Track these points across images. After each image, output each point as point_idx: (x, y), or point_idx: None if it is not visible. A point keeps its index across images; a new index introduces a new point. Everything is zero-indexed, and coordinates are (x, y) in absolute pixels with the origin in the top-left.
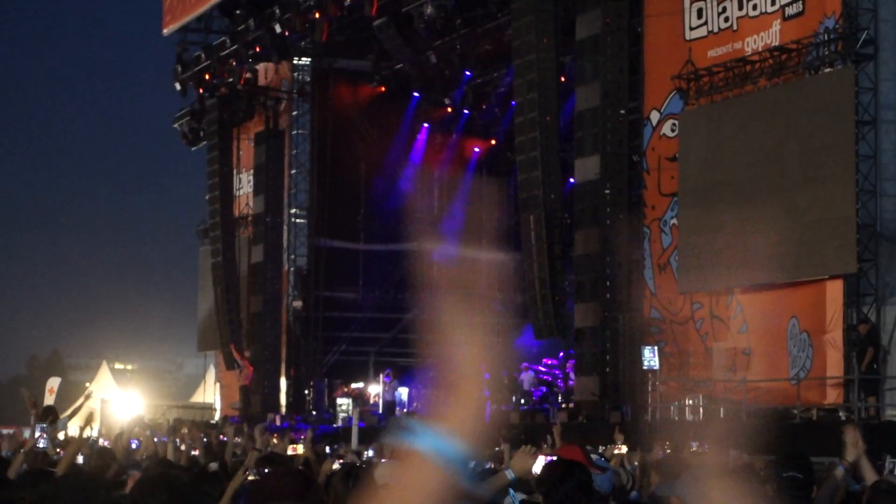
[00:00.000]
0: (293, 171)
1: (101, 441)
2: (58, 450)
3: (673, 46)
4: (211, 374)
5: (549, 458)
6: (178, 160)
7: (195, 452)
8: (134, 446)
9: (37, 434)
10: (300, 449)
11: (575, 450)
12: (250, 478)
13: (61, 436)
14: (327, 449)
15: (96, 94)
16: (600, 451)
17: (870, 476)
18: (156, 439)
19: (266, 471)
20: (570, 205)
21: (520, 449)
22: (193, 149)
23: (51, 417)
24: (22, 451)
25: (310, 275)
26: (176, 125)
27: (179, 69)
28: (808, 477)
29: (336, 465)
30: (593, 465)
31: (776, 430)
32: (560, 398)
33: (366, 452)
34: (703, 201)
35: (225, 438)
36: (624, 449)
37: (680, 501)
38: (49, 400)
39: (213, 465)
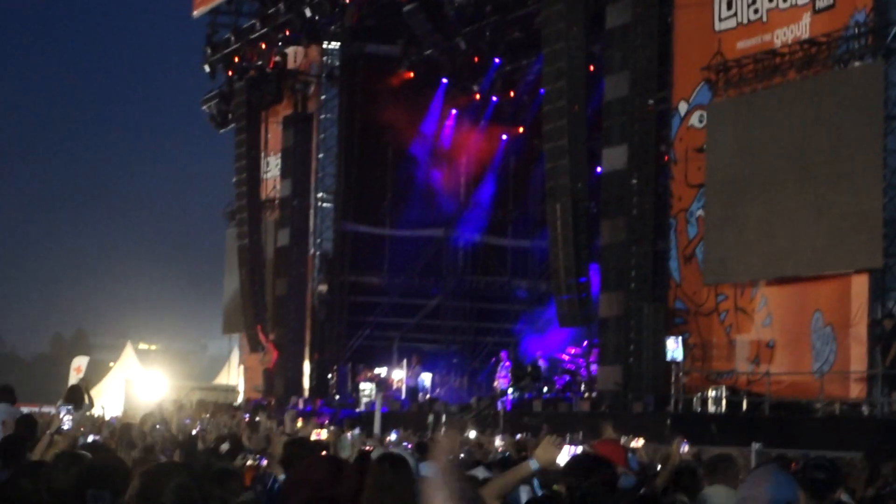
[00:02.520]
0: (320, 155)
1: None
2: (81, 429)
3: (702, 37)
4: (235, 356)
5: (575, 450)
6: (206, 142)
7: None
8: (160, 426)
9: (62, 415)
10: (324, 434)
11: (615, 448)
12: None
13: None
14: (349, 434)
15: (125, 75)
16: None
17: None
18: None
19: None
20: (597, 194)
21: (544, 439)
22: (222, 131)
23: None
24: (48, 432)
25: (335, 259)
26: (205, 107)
27: (209, 51)
28: (833, 477)
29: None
30: (628, 465)
31: (798, 423)
32: (583, 387)
33: (388, 438)
34: (729, 193)
35: (248, 417)
36: (641, 443)
37: None
38: (74, 379)
39: (225, 446)
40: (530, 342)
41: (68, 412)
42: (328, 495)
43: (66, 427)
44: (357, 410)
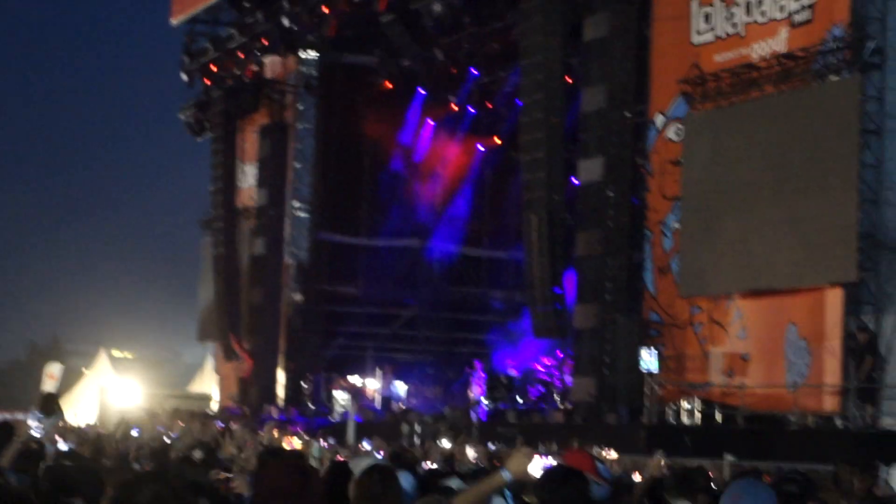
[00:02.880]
0: (297, 165)
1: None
2: (56, 437)
3: (680, 50)
4: (209, 364)
5: (547, 461)
6: (182, 151)
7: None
8: (135, 434)
9: (32, 423)
10: (296, 443)
11: (584, 457)
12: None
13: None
14: (323, 443)
15: (101, 82)
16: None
17: None
18: (155, 430)
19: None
20: (573, 206)
21: (516, 450)
22: (199, 140)
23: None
24: (15, 439)
25: (311, 268)
26: (181, 115)
27: (187, 60)
28: (806, 490)
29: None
30: (599, 475)
31: (772, 436)
32: (557, 398)
33: (361, 447)
34: (705, 206)
35: (222, 426)
36: (614, 455)
37: None
38: (49, 386)
39: (198, 454)
40: (504, 353)
41: (38, 420)
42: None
43: (36, 435)
44: (331, 420)
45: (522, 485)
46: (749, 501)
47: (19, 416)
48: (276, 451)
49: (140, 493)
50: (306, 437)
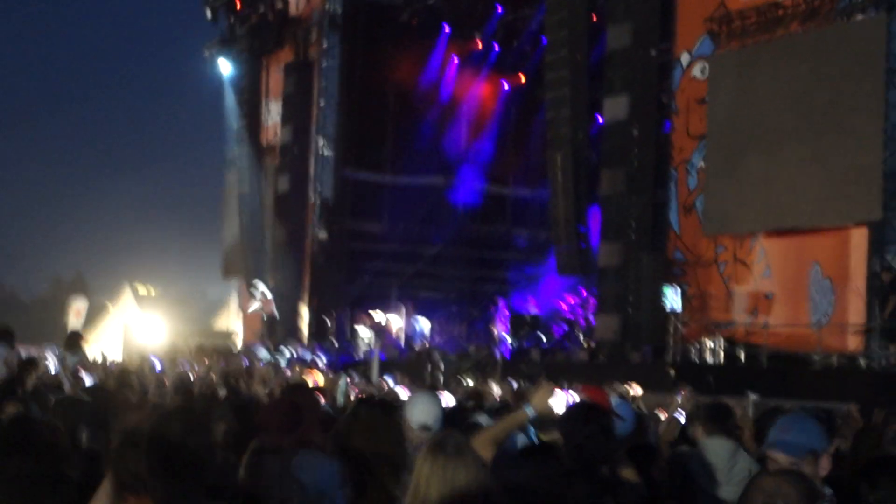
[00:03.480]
0: (321, 103)
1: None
2: (80, 373)
3: None
4: (234, 301)
5: (570, 398)
6: (207, 87)
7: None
8: (158, 368)
9: (49, 357)
10: (319, 379)
11: (599, 393)
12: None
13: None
14: (346, 379)
15: (124, 18)
16: (614, 388)
17: None
18: (179, 366)
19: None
20: (598, 144)
21: (540, 386)
22: (224, 76)
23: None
24: (34, 373)
25: (335, 206)
26: (206, 53)
27: None
28: (829, 428)
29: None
30: (614, 411)
31: (795, 375)
32: (581, 337)
33: (385, 384)
34: (730, 145)
35: (247, 363)
36: (639, 391)
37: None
38: (75, 323)
39: (222, 391)
40: (528, 291)
41: (55, 354)
42: (293, 438)
43: (52, 371)
44: (355, 357)
45: (546, 421)
46: (796, 433)
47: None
48: (297, 387)
49: (169, 427)
50: (330, 374)
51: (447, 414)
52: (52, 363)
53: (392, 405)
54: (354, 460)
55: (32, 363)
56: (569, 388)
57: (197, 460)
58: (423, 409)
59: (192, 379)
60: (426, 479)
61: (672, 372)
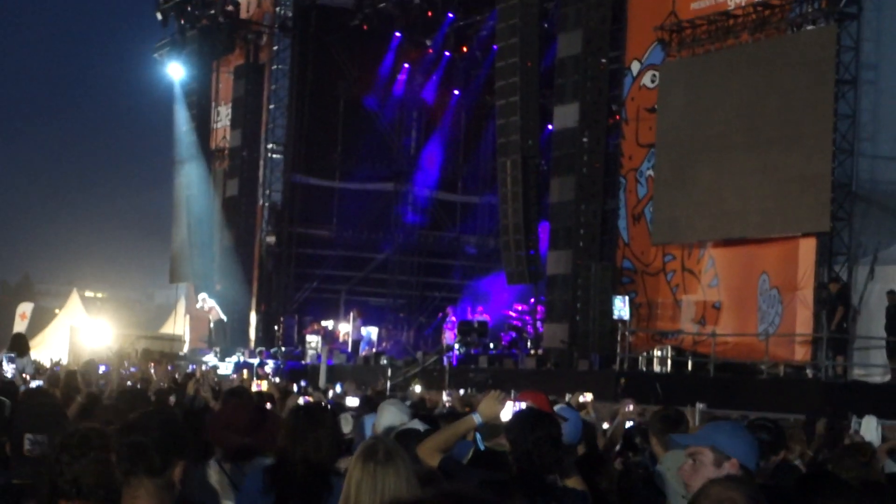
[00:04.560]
0: (272, 106)
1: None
2: (25, 376)
3: None
4: (181, 305)
5: (519, 406)
6: (157, 90)
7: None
8: (102, 370)
9: (3, 363)
10: (264, 385)
11: (540, 397)
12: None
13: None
14: (294, 386)
15: (74, 18)
16: (567, 399)
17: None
18: (124, 370)
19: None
20: (548, 152)
21: (488, 394)
22: (174, 80)
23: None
24: None
25: (284, 210)
26: (156, 55)
27: None
28: (777, 438)
29: (300, 401)
30: (555, 414)
31: (743, 384)
32: (529, 344)
33: (332, 390)
34: (680, 154)
35: (193, 368)
36: (590, 397)
37: (717, 451)
38: (21, 326)
39: (171, 398)
40: (476, 298)
41: (10, 360)
42: (251, 441)
43: (8, 375)
44: (303, 363)
45: (493, 428)
46: (723, 438)
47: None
48: (236, 391)
49: (152, 420)
50: (278, 380)
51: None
52: (7, 368)
53: (322, 411)
54: (283, 467)
55: None
56: (517, 397)
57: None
58: (391, 415)
59: (140, 385)
60: (356, 485)
61: (622, 382)
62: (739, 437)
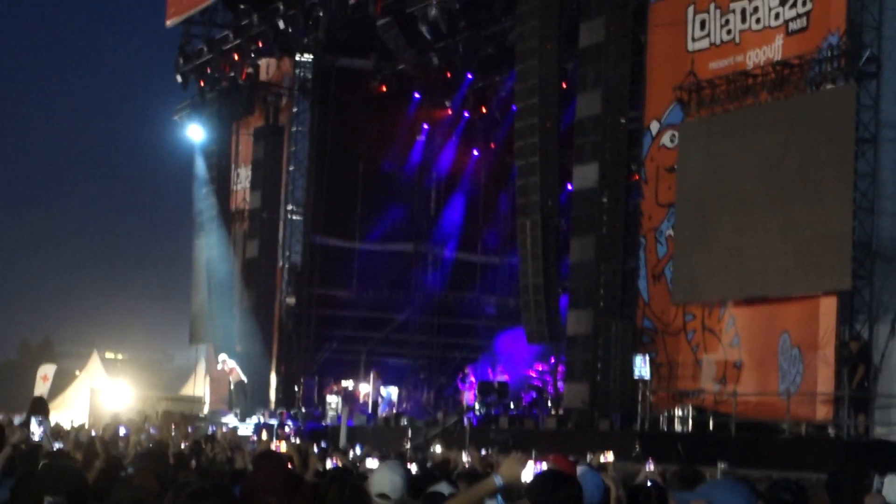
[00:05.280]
0: (291, 168)
1: (91, 431)
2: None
3: (675, 57)
4: (202, 366)
5: (540, 467)
6: (177, 152)
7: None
8: (122, 433)
9: (33, 427)
10: (283, 447)
11: (567, 462)
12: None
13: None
14: (314, 447)
15: (96, 82)
16: (588, 459)
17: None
18: (144, 433)
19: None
20: (568, 212)
21: (509, 455)
22: (194, 142)
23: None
24: (11, 443)
25: (304, 272)
26: (176, 117)
27: (181, 61)
28: (800, 499)
29: (329, 465)
30: (581, 479)
31: (764, 443)
32: (550, 404)
33: (352, 451)
34: (700, 213)
35: (213, 429)
36: (611, 457)
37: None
38: (42, 388)
39: (193, 462)
40: (496, 359)
41: (39, 423)
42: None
43: (36, 439)
44: (323, 423)
45: (514, 490)
46: (720, 493)
47: (14, 417)
48: (268, 454)
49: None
50: (297, 441)
51: (410, 482)
52: (36, 431)
53: (355, 478)
54: None
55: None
56: (539, 459)
57: None
58: (383, 477)
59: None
60: None
61: (637, 446)
62: (736, 492)
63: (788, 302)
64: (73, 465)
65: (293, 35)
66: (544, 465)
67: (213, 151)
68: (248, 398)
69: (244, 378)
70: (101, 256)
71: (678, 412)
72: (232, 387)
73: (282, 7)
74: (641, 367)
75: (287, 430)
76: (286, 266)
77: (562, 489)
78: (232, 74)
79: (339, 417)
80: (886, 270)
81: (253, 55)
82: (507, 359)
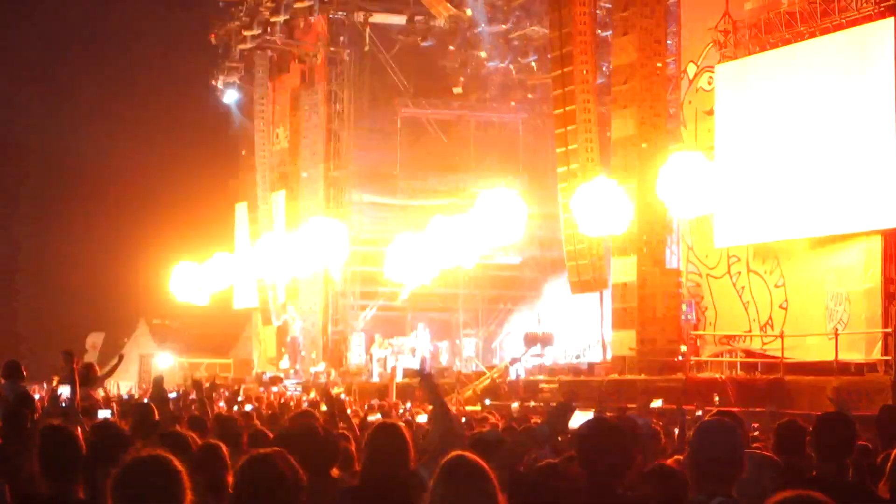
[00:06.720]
0: (334, 125)
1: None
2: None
3: None
4: (249, 329)
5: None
6: (213, 113)
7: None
8: (172, 396)
9: (60, 393)
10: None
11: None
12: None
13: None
14: (365, 405)
15: (128, 49)
16: (637, 405)
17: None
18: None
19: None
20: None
21: (557, 404)
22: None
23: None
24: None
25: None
26: (213, 81)
27: (217, 23)
28: (853, 433)
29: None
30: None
31: (813, 385)
32: (598, 352)
33: (402, 407)
34: (740, 154)
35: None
36: (659, 403)
37: None
38: (91, 356)
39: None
40: (542, 308)
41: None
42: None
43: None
44: (372, 380)
45: (563, 438)
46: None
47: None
48: (304, 413)
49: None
50: (346, 397)
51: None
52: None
53: (400, 429)
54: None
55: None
56: (590, 407)
57: None
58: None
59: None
60: (439, 500)
61: (683, 391)
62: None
63: (834, 241)
64: (125, 436)
65: None
66: (590, 414)
67: (249, 113)
68: (298, 357)
69: (299, 336)
70: (143, 229)
71: (725, 356)
72: (284, 346)
73: None
74: (687, 311)
75: (336, 389)
76: None
77: (609, 438)
78: (268, 36)
79: (388, 373)
80: None
81: (287, 14)
82: (552, 309)
